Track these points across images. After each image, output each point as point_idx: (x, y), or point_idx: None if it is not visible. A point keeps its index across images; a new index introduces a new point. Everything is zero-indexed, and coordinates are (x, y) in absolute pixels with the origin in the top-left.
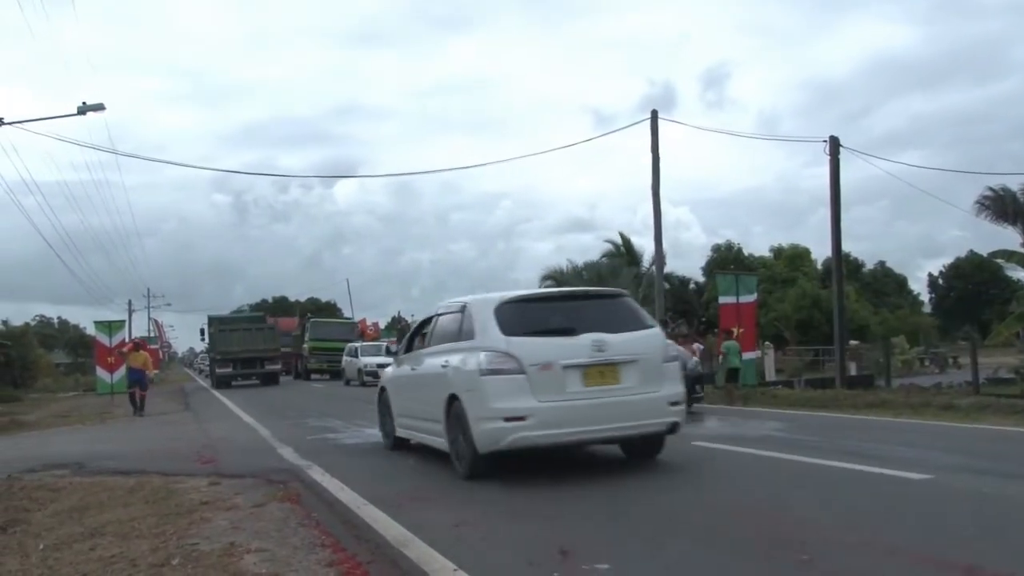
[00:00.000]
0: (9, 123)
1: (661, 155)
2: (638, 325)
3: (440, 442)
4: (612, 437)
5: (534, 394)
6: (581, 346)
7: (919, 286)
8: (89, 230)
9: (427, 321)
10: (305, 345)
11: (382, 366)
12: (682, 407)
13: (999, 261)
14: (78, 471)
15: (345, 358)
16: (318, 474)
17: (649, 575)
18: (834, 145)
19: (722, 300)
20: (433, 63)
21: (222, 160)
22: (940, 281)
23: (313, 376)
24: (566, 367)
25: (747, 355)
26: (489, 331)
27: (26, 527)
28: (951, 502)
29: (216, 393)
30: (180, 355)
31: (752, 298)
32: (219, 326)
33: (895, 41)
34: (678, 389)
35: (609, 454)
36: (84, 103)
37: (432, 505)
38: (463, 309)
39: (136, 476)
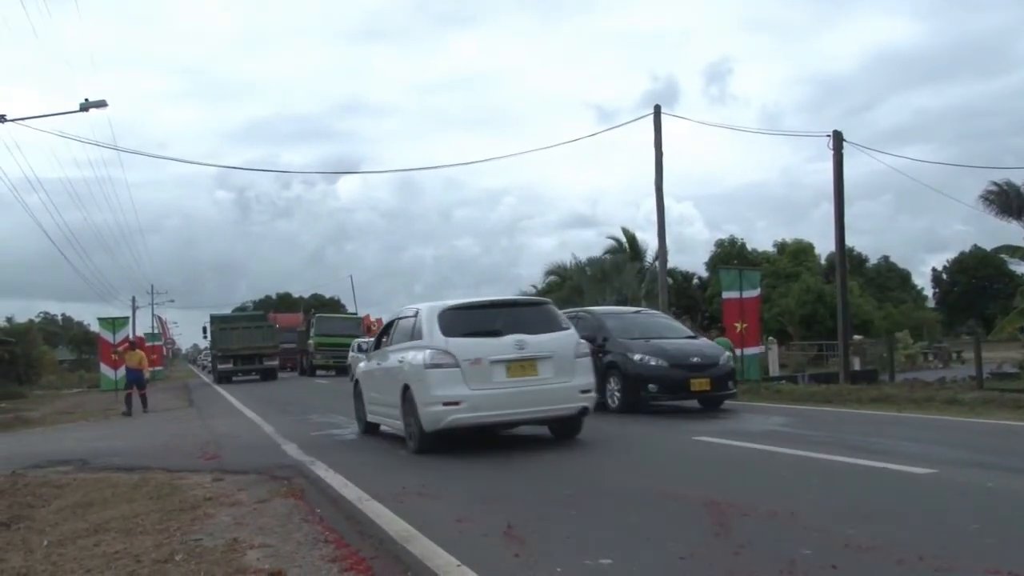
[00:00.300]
0: (12, 120)
1: (664, 150)
2: (555, 328)
3: (398, 424)
4: (532, 419)
5: (467, 384)
6: (505, 345)
7: (923, 281)
8: (93, 227)
9: (391, 323)
10: (310, 341)
11: None
12: (592, 395)
13: (1003, 256)
14: (82, 467)
15: (351, 354)
16: (321, 470)
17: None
18: (837, 140)
19: (725, 295)
20: (436, 59)
21: (225, 157)
22: (944, 276)
23: (319, 372)
24: (493, 362)
25: (750, 350)
26: (433, 333)
27: (30, 523)
28: (955, 497)
29: (218, 388)
30: (184, 352)
31: (755, 293)
32: (220, 324)
33: (898, 35)
34: (588, 380)
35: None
36: (87, 100)
37: (436, 500)
38: (416, 314)
39: (140, 472)
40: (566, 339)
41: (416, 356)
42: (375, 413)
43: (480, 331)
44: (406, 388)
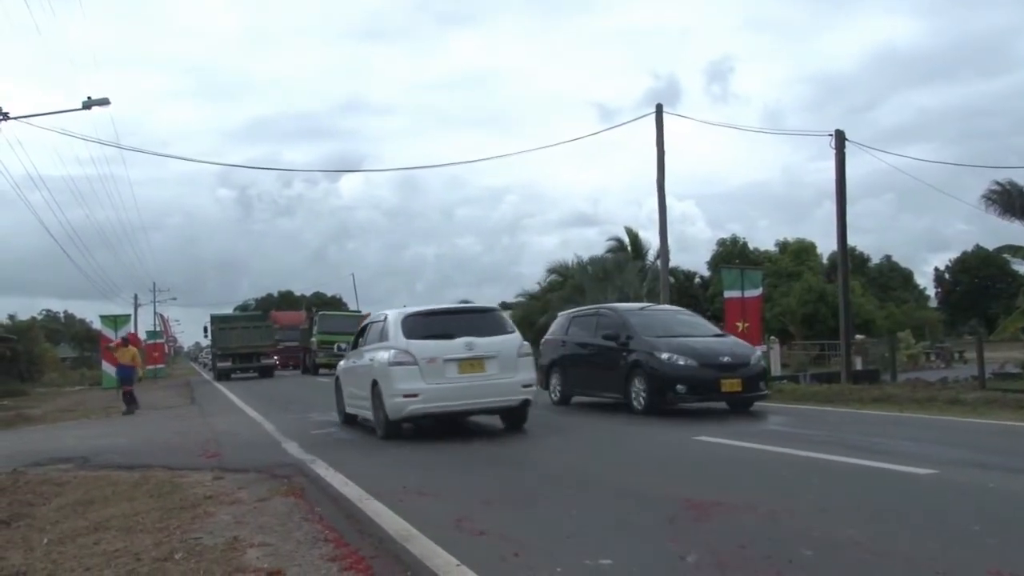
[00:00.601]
0: (15, 118)
1: (666, 149)
2: (501, 331)
3: (368, 415)
4: (480, 410)
5: (424, 379)
6: (457, 346)
7: (925, 280)
8: (95, 225)
9: (366, 327)
10: (313, 339)
11: None
12: (533, 388)
13: (1006, 256)
14: (83, 465)
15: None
16: (322, 468)
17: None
18: (840, 139)
19: (727, 294)
20: (437, 58)
21: (228, 155)
22: (946, 275)
23: (321, 371)
24: (446, 360)
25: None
26: (397, 335)
27: (31, 521)
28: (956, 497)
29: (218, 385)
30: (186, 349)
31: (757, 292)
32: (220, 324)
33: (900, 34)
34: (530, 376)
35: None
36: (90, 98)
37: (436, 500)
38: (385, 319)
39: (140, 470)
40: (510, 341)
41: (382, 355)
42: (352, 405)
43: (436, 334)
44: (375, 383)
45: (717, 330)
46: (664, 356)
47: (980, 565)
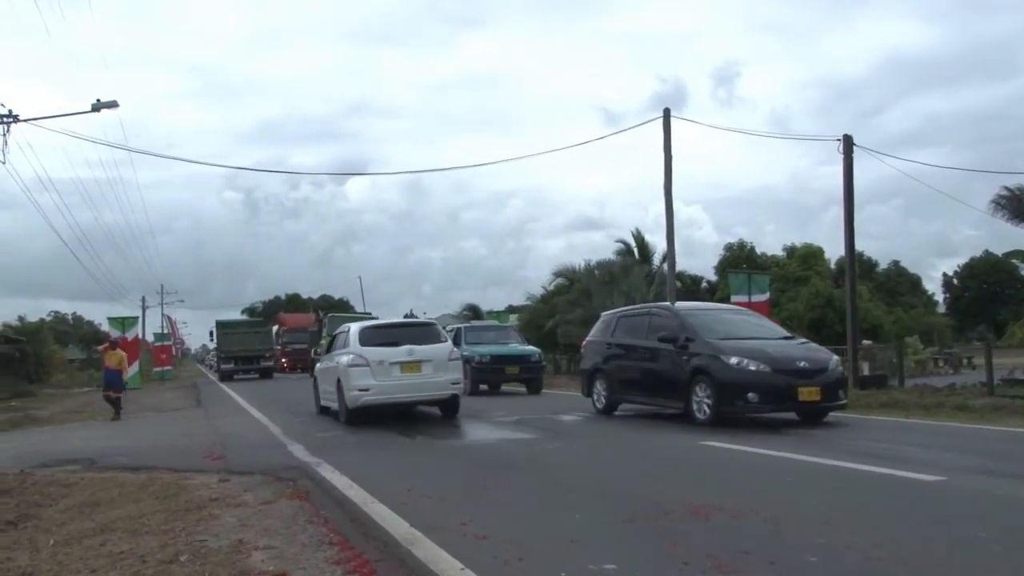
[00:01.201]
0: (24, 120)
1: (673, 154)
2: (436, 341)
3: (335, 406)
4: (418, 401)
5: (374, 377)
6: (401, 352)
7: (933, 286)
8: (103, 227)
9: (335, 336)
10: (323, 341)
11: None
12: (460, 385)
13: (1015, 261)
14: (89, 467)
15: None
16: (327, 471)
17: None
18: (848, 144)
19: (734, 299)
20: (444, 61)
21: (235, 158)
22: (955, 281)
23: None
24: (391, 363)
25: None
26: (355, 344)
27: (37, 522)
28: (963, 504)
29: (224, 387)
30: (194, 352)
31: (764, 297)
32: (223, 329)
33: (909, 39)
34: (457, 376)
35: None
36: (98, 100)
37: (441, 503)
38: (348, 331)
39: (147, 472)
40: (443, 348)
41: (344, 359)
42: (325, 399)
43: (385, 343)
44: (339, 380)
45: (785, 332)
46: (732, 361)
47: (986, 573)
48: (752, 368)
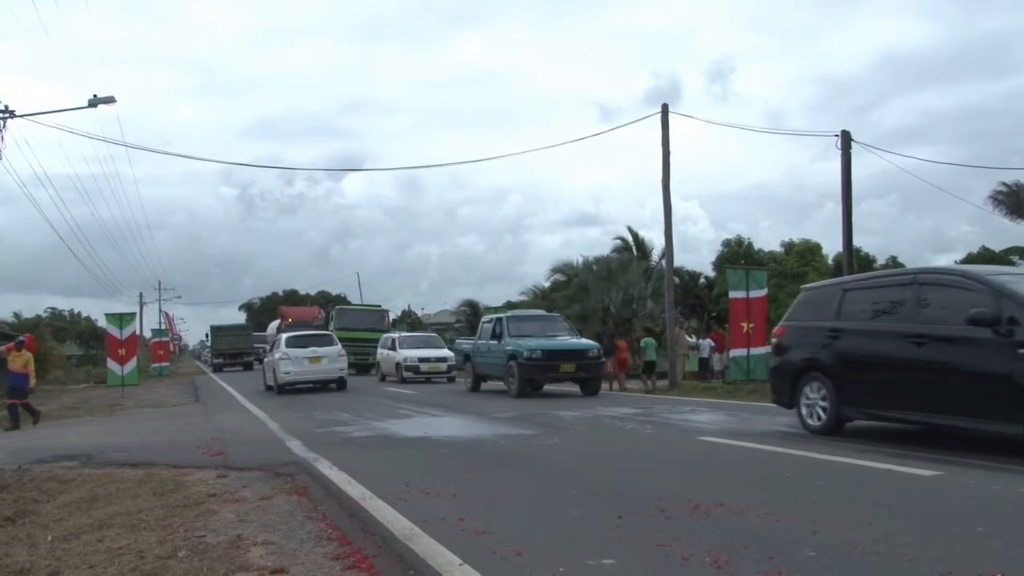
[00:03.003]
0: (21, 116)
1: (671, 149)
2: (332, 344)
3: (273, 384)
4: (319, 381)
5: (293, 366)
6: (309, 351)
7: None
8: (100, 223)
9: (276, 340)
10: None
11: (425, 360)
12: (345, 371)
13: (1013, 257)
14: (87, 463)
15: (380, 351)
16: (325, 467)
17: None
18: (846, 140)
19: (732, 295)
20: (441, 57)
21: (233, 154)
22: None
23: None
24: (302, 357)
25: (757, 350)
26: (283, 347)
27: (35, 518)
28: (961, 498)
29: (223, 383)
30: (191, 348)
31: (762, 293)
32: (215, 332)
33: (905, 35)
34: (343, 365)
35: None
36: (95, 96)
37: (439, 499)
38: (279, 338)
39: (145, 468)
40: (336, 349)
41: (277, 355)
42: (268, 381)
43: (300, 346)
44: (274, 368)
45: None
46: None
47: (984, 567)
48: None
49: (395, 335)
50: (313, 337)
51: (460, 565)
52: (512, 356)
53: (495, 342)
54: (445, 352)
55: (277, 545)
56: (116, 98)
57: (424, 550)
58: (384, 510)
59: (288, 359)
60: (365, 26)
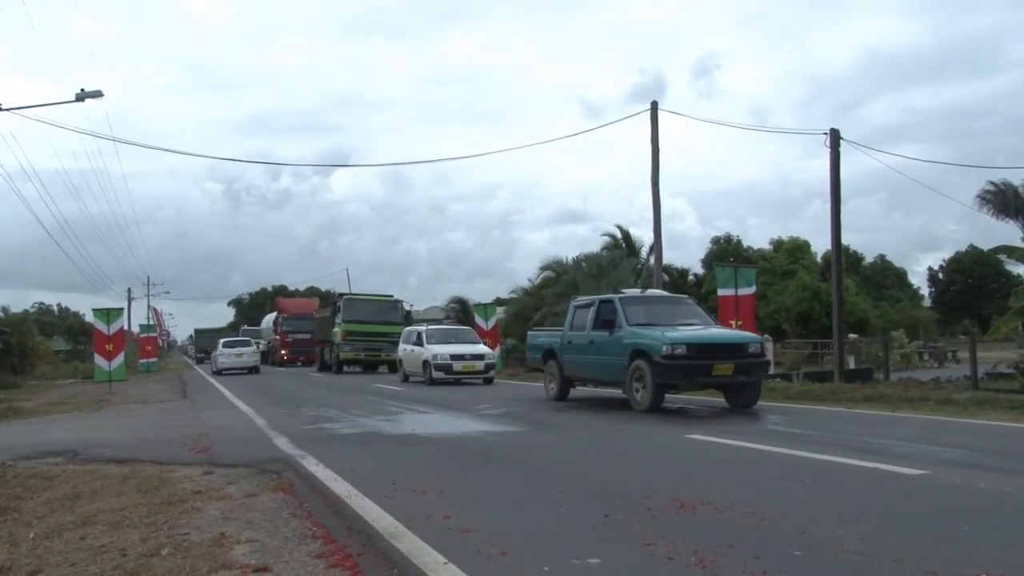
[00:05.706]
0: (7, 109)
1: (659, 146)
2: (249, 345)
3: (215, 369)
4: (241, 368)
5: (225, 359)
6: (237, 349)
7: (918, 280)
8: (88, 218)
9: (218, 343)
10: (336, 329)
11: (459, 357)
12: (258, 360)
13: (1000, 256)
14: (72, 459)
15: (403, 346)
16: (312, 464)
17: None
18: (835, 138)
19: (721, 292)
20: (430, 54)
21: (222, 149)
22: (940, 275)
23: (348, 368)
24: (231, 354)
25: None
26: (220, 347)
27: (17, 515)
28: (947, 498)
29: (211, 379)
30: (179, 343)
31: (751, 290)
32: (199, 333)
33: (891, 34)
34: (257, 358)
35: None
36: (82, 90)
37: (425, 497)
38: (219, 341)
39: (130, 465)
40: (252, 348)
41: (217, 352)
42: (213, 367)
43: (230, 345)
44: (214, 359)
45: None
46: None
47: (970, 567)
48: None
49: (421, 328)
50: (239, 339)
51: (445, 564)
52: (640, 352)
53: (604, 333)
54: (482, 348)
55: (261, 543)
56: (104, 92)
57: (409, 548)
58: (369, 508)
59: (223, 355)
60: (354, 23)
